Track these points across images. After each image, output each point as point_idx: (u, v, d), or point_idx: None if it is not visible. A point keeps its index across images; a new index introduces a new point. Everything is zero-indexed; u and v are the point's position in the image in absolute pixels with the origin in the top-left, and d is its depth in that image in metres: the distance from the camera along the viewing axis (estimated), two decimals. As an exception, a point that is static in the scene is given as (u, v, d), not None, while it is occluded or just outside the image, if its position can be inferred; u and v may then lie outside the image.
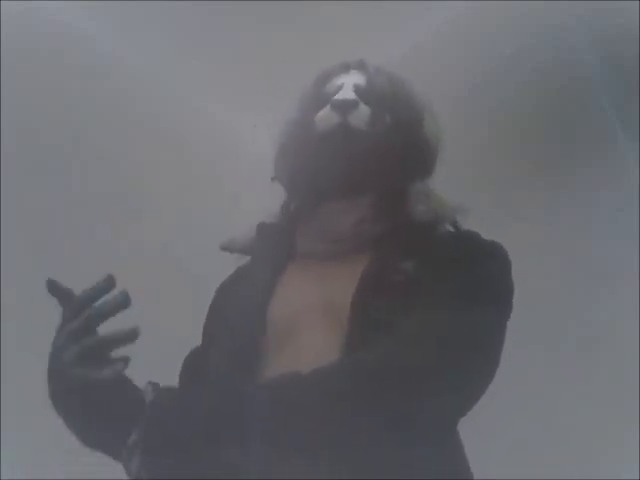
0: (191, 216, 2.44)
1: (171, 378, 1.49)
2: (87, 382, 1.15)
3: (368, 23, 2.49)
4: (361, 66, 1.48)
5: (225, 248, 1.46)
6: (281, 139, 1.47)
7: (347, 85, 1.43)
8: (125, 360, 1.16)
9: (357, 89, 1.42)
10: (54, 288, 1.18)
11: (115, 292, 1.18)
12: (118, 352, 1.17)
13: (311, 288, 1.35)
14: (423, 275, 1.31)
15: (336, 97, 1.40)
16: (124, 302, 1.16)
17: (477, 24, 2.48)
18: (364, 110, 1.39)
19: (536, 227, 2.43)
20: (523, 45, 2.49)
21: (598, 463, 2.19)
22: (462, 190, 2.37)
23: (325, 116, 1.39)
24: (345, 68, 1.48)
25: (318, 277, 1.36)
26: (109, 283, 1.17)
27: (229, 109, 2.56)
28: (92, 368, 1.15)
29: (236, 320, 1.35)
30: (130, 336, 1.15)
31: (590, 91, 2.52)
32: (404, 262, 1.33)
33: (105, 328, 1.18)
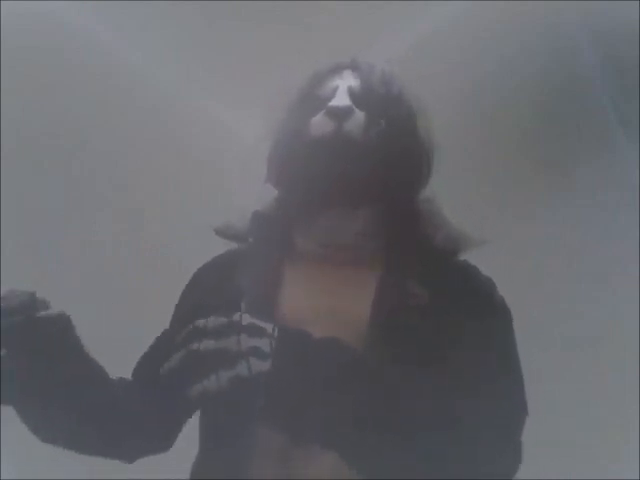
0: (191, 215, 2.44)
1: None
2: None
3: (368, 23, 2.49)
4: (354, 66, 1.47)
5: (220, 233, 1.45)
6: (274, 141, 1.46)
7: (341, 88, 1.42)
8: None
9: (351, 93, 1.42)
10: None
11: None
12: None
13: (317, 291, 1.34)
14: (438, 305, 1.32)
15: (331, 104, 1.39)
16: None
17: (477, 24, 2.48)
18: (359, 116, 1.38)
19: (536, 227, 2.43)
20: (523, 45, 2.48)
21: (598, 463, 2.19)
22: (462, 190, 2.37)
23: (320, 122, 1.38)
24: (338, 69, 1.47)
25: (321, 280, 1.35)
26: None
27: (229, 109, 2.56)
28: None
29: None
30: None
31: (590, 91, 2.52)
32: (419, 287, 1.34)
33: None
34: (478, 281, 1.40)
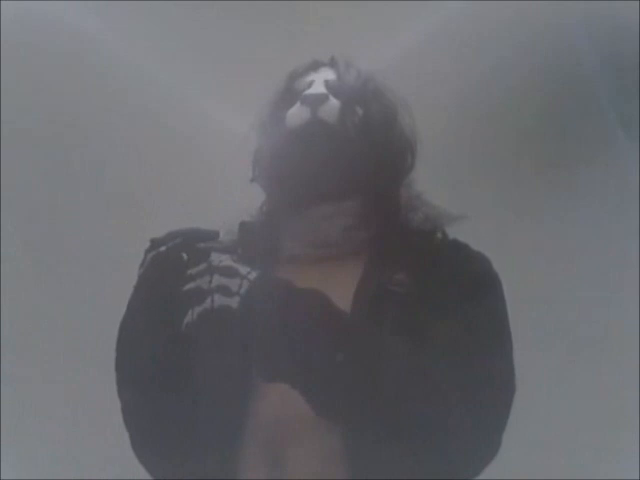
0: (191, 215, 2.44)
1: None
2: None
3: (366, 24, 2.50)
4: (331, 63, 1.49)
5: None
6: (256, 140, 1.47)
7: (317, 81, 1.44)
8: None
9: (327, 84, 1.43)
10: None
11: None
12: None
13: None
14: (424, 288, 1.31)
15: (306, 92, 1.40)
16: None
17: (476, 24, 2.48)
18: (334, 103, 1.39)
19: (536, 227, 2.43)
20: (523, 45, 2.49)
21: (598, 463, 2.19)
22: (462, 190, 2.37)
23: (295, 112, 1.40)
24: (315, 65, 1.48)
25: (309, 280, 1.35)
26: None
27: (229, 109, 2.57)
28: None
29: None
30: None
31: (590, 91, 2.53)
32: (402, 272, 1.33)
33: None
34: (470, 257, 1.40)
